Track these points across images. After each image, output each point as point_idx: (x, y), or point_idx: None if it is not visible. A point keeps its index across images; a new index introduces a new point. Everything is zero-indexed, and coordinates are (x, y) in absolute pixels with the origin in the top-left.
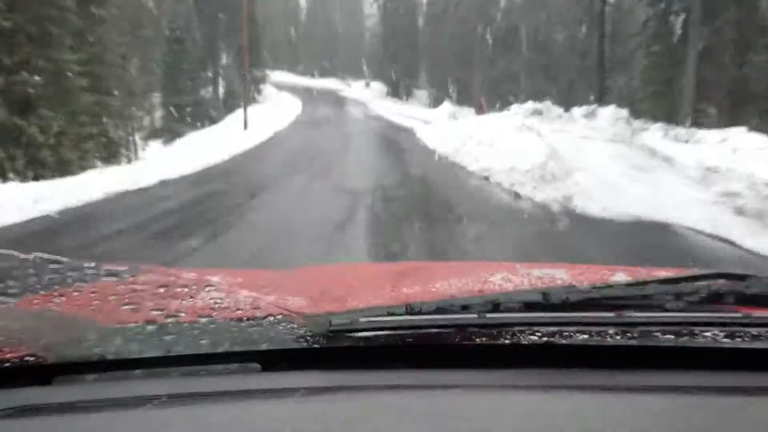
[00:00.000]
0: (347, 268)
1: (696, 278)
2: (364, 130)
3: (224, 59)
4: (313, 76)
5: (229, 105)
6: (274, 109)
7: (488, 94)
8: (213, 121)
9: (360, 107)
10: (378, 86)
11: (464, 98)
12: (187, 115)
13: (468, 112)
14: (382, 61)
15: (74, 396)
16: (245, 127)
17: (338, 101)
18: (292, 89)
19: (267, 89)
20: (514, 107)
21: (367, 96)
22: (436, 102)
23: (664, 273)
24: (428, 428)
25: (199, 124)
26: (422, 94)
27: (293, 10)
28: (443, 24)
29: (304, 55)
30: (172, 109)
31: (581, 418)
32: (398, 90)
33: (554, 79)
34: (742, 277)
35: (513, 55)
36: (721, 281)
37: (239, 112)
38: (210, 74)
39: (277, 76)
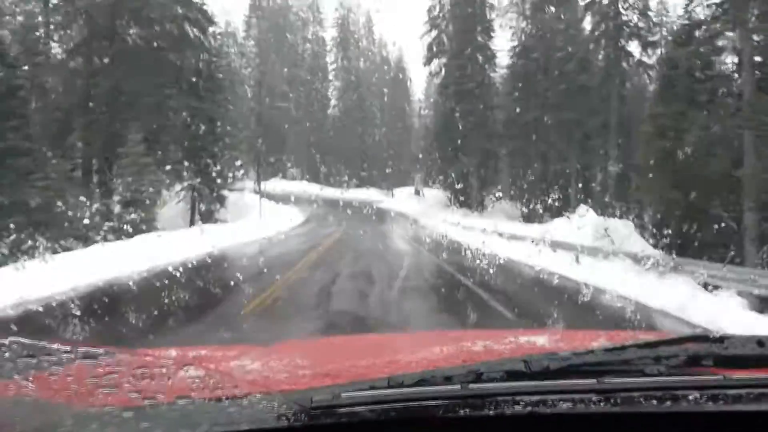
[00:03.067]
0: (328, 342)
1: (674, 342)
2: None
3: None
4: (345, 186)
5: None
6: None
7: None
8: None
9: (409, 226)
10: (434, 194)
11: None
12: None
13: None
14: (438, 159)
15: None
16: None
17: (374, 217)
18: (309, 202)
19: (254, 202)
20: None
21: (418, 207)
22: (530, 214)
23: (642, 336)
24: None
25: None
26: (500, 204)
27: (317, 112)
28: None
29: (333, 162)
30: None
31: None
32: (467, 197)
33: None
34: (719, 339)
35: None
36: (699, 344)
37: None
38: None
39: (291, 185)
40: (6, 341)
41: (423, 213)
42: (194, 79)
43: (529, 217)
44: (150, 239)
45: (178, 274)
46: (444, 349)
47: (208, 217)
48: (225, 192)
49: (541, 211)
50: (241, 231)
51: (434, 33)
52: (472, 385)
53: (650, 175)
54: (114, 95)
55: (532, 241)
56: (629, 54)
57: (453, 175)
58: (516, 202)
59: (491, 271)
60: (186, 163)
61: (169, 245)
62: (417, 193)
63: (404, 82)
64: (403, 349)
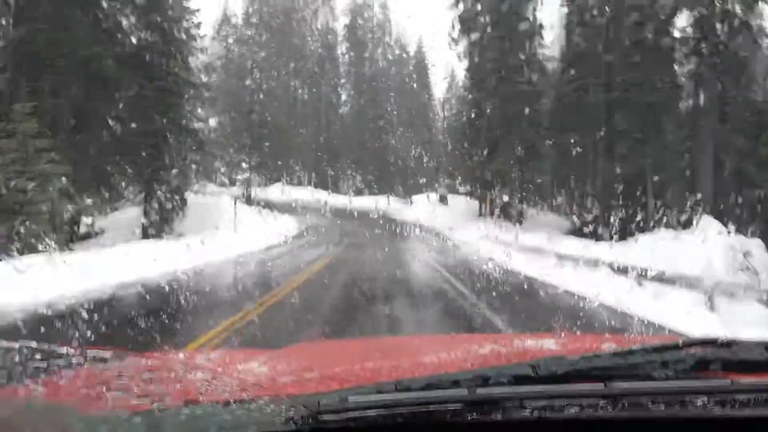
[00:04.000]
0: (336, 345)
1: (682, 346)
2: None
3: None
4: (352, 192)
5: None
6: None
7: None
8: None
9: (440, 246)
10: (460, 201)
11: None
12: None
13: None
14: (468, 159)
15: None
16: None
17: (390, 231)
18: (311, 210)
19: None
20: None
21: (445, 218)
22: (592, 228)
23: (650, 341)
24: None
25: None
26: (544, 215)
27: (326, 110)
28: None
29: (344, 166)
30: None
31: None
32: (506, 206)
33: None
34: (728, 344)
35: None
36: (708, 348)
37: None
38: None
39: (297, 191)
40: (15, 345)
41: (452, 226)
42: (141, 36)
43: (583, 231)
44: None
45: None
46: (451, 353)
47: (160, 229)
48: (192, 195)
49: (606, 224)
50: (170, 254)
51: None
52: (479, 390)
53: None
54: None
55: (622, 271)
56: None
57: (487, 177)
58: (561, 212)
59: None
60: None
61: None
62: (442, 200)
63: (425, 76)
64: (410, 353)
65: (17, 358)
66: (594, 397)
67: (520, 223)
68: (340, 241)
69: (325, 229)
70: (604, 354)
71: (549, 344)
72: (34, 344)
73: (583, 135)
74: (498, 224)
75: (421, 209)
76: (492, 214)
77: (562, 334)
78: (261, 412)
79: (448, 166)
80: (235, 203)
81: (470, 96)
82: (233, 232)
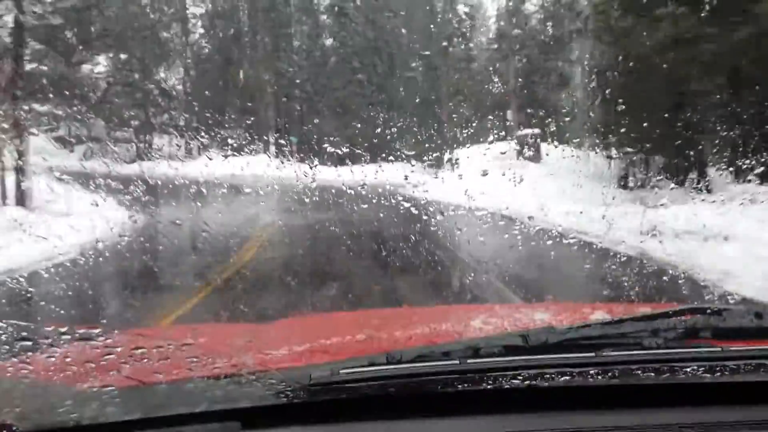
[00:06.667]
0: (327, 318)
1: (672, 314)
2: None
3: None
4: (335, 160)
5: None
6: None
7: None
8: None
9: None
10: (559, 156)
11: None
12: None
13: None
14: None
15: None
16: None
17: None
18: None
19: None
20: None
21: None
22: None
23: (641, 309)
24: None
25: None
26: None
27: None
28: None
29: (330, 120)
30: None
31: None
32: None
33: None
34: (718, 312)
35: None
36: (698, 316)
37: None
38: None
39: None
40: (2, 324)
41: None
42: None
43: None
44: None
45: None
46: (442, 324)
47: None
48: None
49: None
50: None
51: None
52: (470, 360)
53: None
54: None
55: None
56: None
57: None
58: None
59: None
60: None
61: None
62: (523, 154)
63: None
64: (401, 325)
65: (3, 337)
66: (584, 366)
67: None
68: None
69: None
70: (594, 323)
71: (540, 315)
72: (20, 323)
73: None
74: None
75: (472, 179)
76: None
77: (553, 305)
78: (252, 386)
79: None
80: None
81: None
82: None
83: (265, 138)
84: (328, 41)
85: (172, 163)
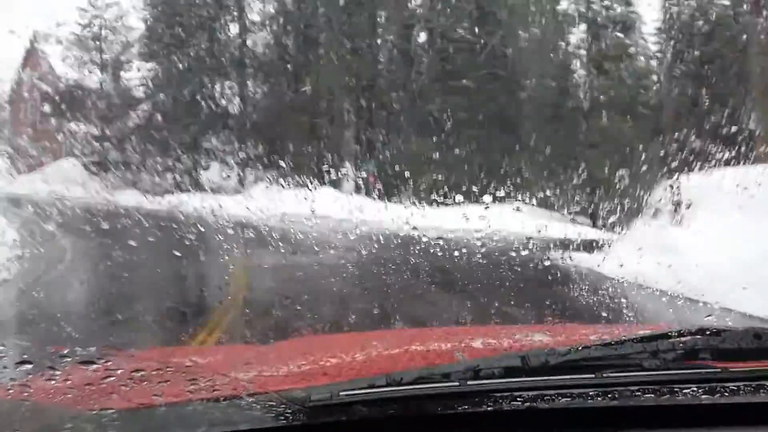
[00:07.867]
0: (326, 340)
1: (672, 335)
2: None
3: None
4: (421, 199)
5: None
6: None
7: None
8: None
9: None
10: None
11: None
12: None
13: None
14: None
15: None
16: None
17: None
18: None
19: None
20: None
21: None
22: None
23: (640, 331)
24: None
25: None
26: None
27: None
28: None
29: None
30: None
31: None
32: None
33: None
34: (717, 332)
35: None
36: (697, 337)
37: None
38: None
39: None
40: (2, 345)
41: None
42: None
43: None
44: None
45: None
46: (442, 345)
47: None
48: None
49: None
50: None
51: None
52: (470, 382)
53: None
54: None
55: None
56: None
57: None
58: None
59: None
60: None
61: None
62: None
63: None
64: (401, 346)
65: (5, 358)
66: (585, 387)
67: None
68: None
69: None
70: (594, 345)
71: (539, 336)
72: (22, 343)
73: None
74: None
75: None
76: None
77: (553, 327)
78: (251, 408)
79: None
80: None
81: None
82: None
83: (340, 166)
84: (422, 35)
85: (211, 197)
